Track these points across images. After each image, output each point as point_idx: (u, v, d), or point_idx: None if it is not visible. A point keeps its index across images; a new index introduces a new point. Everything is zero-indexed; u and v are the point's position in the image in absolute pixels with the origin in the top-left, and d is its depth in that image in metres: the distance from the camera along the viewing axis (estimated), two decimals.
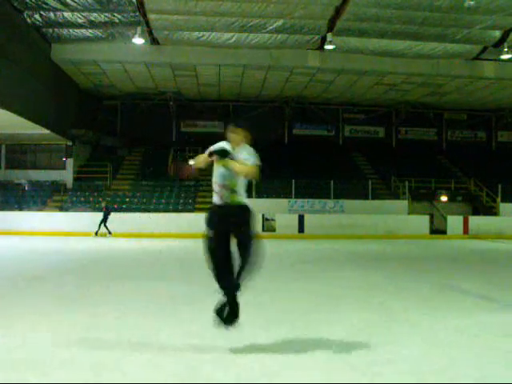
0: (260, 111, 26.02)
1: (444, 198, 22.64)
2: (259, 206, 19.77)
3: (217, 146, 4.12)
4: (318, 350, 4.06)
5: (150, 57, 19.53)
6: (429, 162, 25.79)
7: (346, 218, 19.42)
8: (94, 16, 16.44)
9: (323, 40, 17.85)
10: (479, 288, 7.43)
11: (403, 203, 20.91)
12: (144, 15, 16.21)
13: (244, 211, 3.99)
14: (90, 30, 17.66)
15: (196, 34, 17.81)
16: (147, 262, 11.07)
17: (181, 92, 24.46)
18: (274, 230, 18.95)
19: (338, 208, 20.35)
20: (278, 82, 22.46)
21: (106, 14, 16.34)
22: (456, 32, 17.26)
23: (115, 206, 20.12)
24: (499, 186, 21.49)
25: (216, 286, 4.04)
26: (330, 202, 20.57)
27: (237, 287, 3.95)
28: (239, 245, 3.94)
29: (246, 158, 3.96)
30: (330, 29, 17.01)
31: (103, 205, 18.33)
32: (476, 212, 22.35)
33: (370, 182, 21.67)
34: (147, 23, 16.85)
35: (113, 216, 18.00)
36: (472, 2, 14.61)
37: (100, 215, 17.85)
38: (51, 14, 16.36)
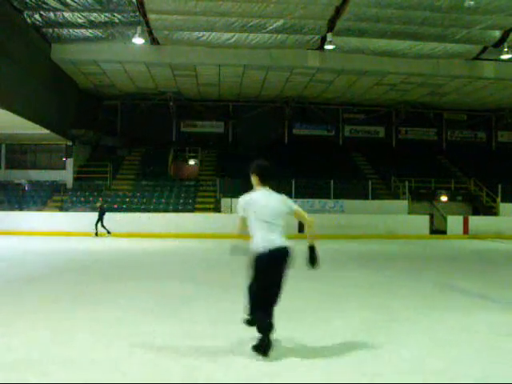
0: (260, 111, 26.02)
1: (444, 198, 22.63)
2: None
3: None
4: (318, 349, 4.07)
5: (150, 57, 19.52)
6: (429, 162, 25.78)
7: (346, 218, 19.41)
8: (94, 16, 16.43)
9: (323, 40, 17.85)
10: (479, 288, 7.44)
11: (403, 203, 20.91)
12: (144, 15, 16.20)
13: None
14: (89, 30, 17.65)
15: (196, 33, 17.80)
16: (147, 262, 11.06)
17: (181, 92, 24.46)
18: None
19: (338, 208, 20.35)
20: (278, 82, 22.46)
21: (106, 14, 16.33)
22: (456, 32, 17.25)
23: (115, 206, 20.13)
24: (499, 186, 21.47)
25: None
26: (330, 202, 20.56)
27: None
28: None
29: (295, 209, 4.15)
30: (330, 29, 17.01)
31: (98, 205, 18.31)
32: (476, 212, 22.34)
33: (369, 182, 21.67)
34: (147, 23, 16.84)
35: (113, 216, 17.98)
36: (472, 2, 14.61)
37: (95, 215, 17.84)
38: (51, 14, 16.34)
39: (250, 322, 4.06)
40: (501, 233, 19.60)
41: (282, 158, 24.47)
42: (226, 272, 8.98)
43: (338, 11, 15.93)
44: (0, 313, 5.43)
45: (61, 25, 17.15)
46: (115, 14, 16.31)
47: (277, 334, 4.47)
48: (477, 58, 19.65)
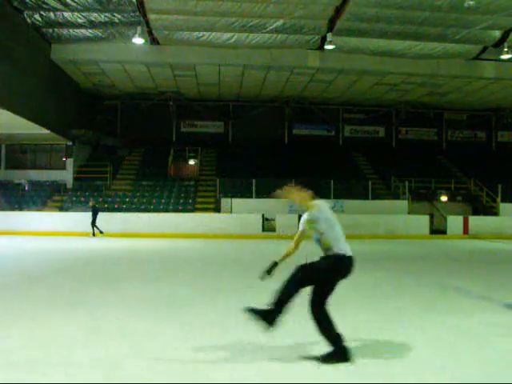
0: (260, 111, 26.01)
1: (444, 198, 22.63)
2: (259, 206, 19.79)
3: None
4: (318, 349, 4.06)
5: (150, 57, 19.52)
6: (429, 162, 25.78)
7: (346, 218, 19.37)
8: (94, 16, 16.42)
9: (323, 40, 17.84)
10: (479, 288, 7.44)
11: (403, 203, 20.92)
12: (144, 15, 16.19)
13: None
14: (89, 30, 17.65)
15: (196, 33, 17.80)
16: (147, 263, 11.06)
17: (181, 92, 24.46)
18: (273, 230, 18.97)
19: (338, 208, 20.34)
20: (278, 82, 22.46)
21: (106, 14, 16.32)
22: (456, 32, 17.24)
23: (115, 206, 20.13)
24: (499, 186, 21.47)
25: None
26: (330, 202, 20.49)
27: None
28: None
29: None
30: (330, 29, 17.00)
31: (90, 204, 18.30)
32: (476, 212, 22.34)
33: (369, 182, 21.67)
34: (147, 23, 16.84)
35: (113, 216, 17.97)
36: (472, 2, 14.59)
37: (88, 215, 17.87)
38: (51, 14, 16.34)
39: (257, 312, 3.89)
40: (501, 233, 19.60)
41: (282, 158, 24.50)
42: (226, 272, 8.98)
43: (338, 11, 15.92)
44: (0, 313, 5.43)
45: (61, 25, 17.14)
46: (115, 14, 16.30)
47: (277, 335, 4.47)
48: (477, 57, 19.64)
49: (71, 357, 3.81)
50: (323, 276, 3.93)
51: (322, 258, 4.01)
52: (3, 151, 23.87)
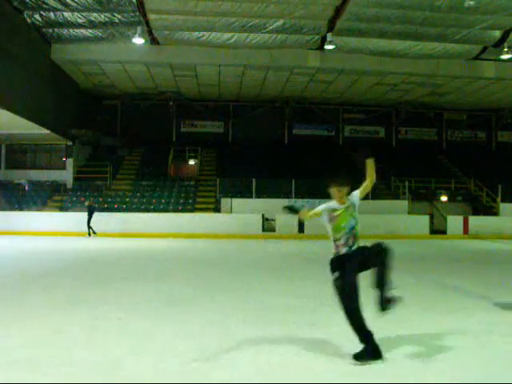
0: (260, 111, 26.03)
1: (444, 198, 22.63)
2: (259, 206, 19.79)
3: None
4: (317, 349, 4.06)
5: (150, 57, 19.52)
6: (429, 161, 25.77)
7: None
8: (94, 16, 16.43)
9: (323, 40, 17.84)
10: (479, 288, 7.43)
11: (403, 203, 20.91)
12: (144, 15, 16.20)
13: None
14: (89, 30, 17.65)
15: (196, 34, 17.80)
16: (147, 263, 11.06)
17: (181, 92, 24.46)
18: (273, 230, 18.98)
19: None
20: (278, 82, 22.46)
21: (106, 14, 16.33)
22: (456, 32, 17.25)
23: (115, 206, 20.12)
24: (499, 186, 21.46)
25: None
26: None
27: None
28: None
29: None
30: (330, 29, 17.00)
31: (86, 204, 18.30)
32: (476, 212, 22.34)
33: None
34: (147, 23, 16.84)
35: (113, 216, 17.97)
36: (472, 2, 14.60)
37: (83, 215, 17.86)
38: (51, 14, 16.34)
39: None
40: (501, 233, 19.59)
41: (282, 158, 24.50)
42: (226, 272, 8.97)
43: (338, 11, 15.93)
44: (0, 312, 5.43)
45: (61, 25, 17.15)
46: (115, 14, 16.31)
47: (277, 335, 4.47)
48: (477, 58, 19.65)
49: (71, 356, 3.81)
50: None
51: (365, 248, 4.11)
52: (3, 151, 23.88)
